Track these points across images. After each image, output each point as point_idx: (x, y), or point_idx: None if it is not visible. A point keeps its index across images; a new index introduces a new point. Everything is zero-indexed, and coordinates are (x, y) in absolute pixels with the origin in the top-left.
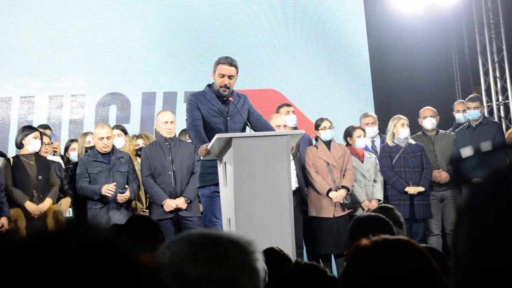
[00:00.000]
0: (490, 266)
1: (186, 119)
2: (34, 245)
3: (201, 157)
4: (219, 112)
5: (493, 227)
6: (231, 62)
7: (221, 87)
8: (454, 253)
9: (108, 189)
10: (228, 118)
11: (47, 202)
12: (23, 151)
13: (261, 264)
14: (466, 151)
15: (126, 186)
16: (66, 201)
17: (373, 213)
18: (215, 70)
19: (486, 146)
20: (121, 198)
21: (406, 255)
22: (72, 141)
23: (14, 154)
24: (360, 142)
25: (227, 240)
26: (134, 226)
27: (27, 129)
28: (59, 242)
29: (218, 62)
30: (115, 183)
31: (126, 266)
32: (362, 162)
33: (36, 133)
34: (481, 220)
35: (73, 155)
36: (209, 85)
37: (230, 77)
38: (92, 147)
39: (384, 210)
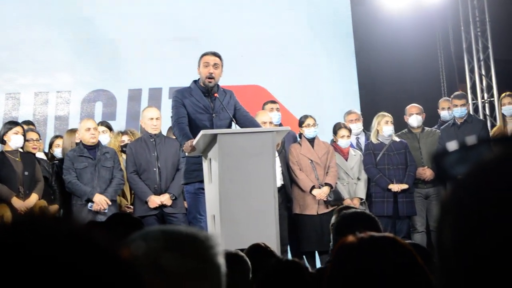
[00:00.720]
0: (475, 260)
1: (171, 116)
2: (5, 231)
3: (186, 154)
4: (204, 108)
5: (477, 222)
6: (215, 53)
7: (207, 77)
8: (438, 249)
9: (101, 202)
10: (214, 114)
11: (33, 198)
12: (7, 147)
13: (222, 259)
14: (451, 145)
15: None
16: (54, 208)
17: (358, 210)
18: (200, 63)
19: (471, 140)
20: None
21: (392, 252)
22: (56, 137)
23: None
24: (343, 142)
25: (185, 234)
26: (113, 223)
27: (8, 124)
28: (31, 230)
29: (202, 55)
30: (109, 202)
31: (99, 257)
32: (347, 160)
33: (17, 129)
34: (465, 215)
35: (58, 151)
36: (195, 81)
37: (215, 65)
38: (79, 143)
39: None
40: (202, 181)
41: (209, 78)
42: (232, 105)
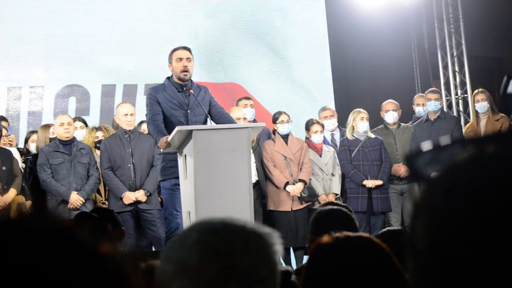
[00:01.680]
0: (447, 259)
1: (146, 114)
2: None
3: (161, 150)
4: (179, 105)
5: (448, 221)
6: (185, 47)
7: (181, 72)
8: (410, 248)
9: (76, 202)
10: (189, 110)
11: (11, 193)
12: None
13: (279, 257)
14: (425, 145)
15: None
16: (29, 204)
17: (335, 207)
18: (171, 59)
19: (445, 140)
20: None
21: (368, 253)
22: (32, 132)
23: None
24: (316, 138)
25: (251, 230)
26: (98, 217)
27: None
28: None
29: (173, 51)
30: (83, 200)
31: (83, 254)
32: (320, 156)
33: None
34: (437, 214)
35: (33, 147)
36: (168, 78)
37: (187, 59)
38: (54, 138)
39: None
40: (178, 177)
41: (184, 71)
42: (207, 100)
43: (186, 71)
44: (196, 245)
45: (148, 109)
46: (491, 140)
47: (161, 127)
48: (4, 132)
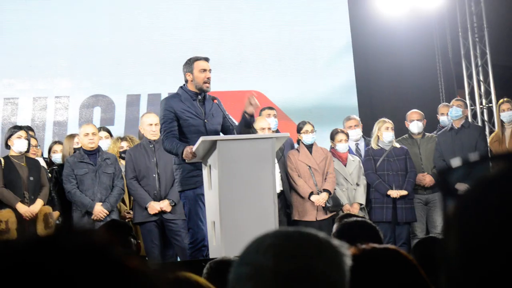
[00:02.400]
0: (482, 273)
1: (161, 128)
2: (23, 250)
3: (187, 161)
4: (196, 114)
5: (483, 235)
6: (207, 58)
7: (204, 83)
8: (444, 262)
9: (100, 214)
10: (206, 120)
11: (38, 204)
12: (11, 152)
13: (349, 267)
14: (455, 162)
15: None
16: (56, 214)
17: (359, 218)
18: (192, 69)
19: (474, 156)
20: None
21: (395, 265)
22: (55, 143)
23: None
24: (341, 146)
25: (323, 238)
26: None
27: (11, 129)
28: (48, 247)
29: (194, 60)
30: (107, 212)
31: (117, 271)
32: (345, 165)
33: (20, 133)
34: (470, 229)
35: (56, 157)
36: (181, 87)
37: (209, 71)
38: (79, 148)
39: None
40: (200, 187)
41: (207, 83)
42: (219, 110)
43: (209, 83)
44: (272, 248)
45: (162, 125)
46: None
47: (177, 141)
48: (33, 142)
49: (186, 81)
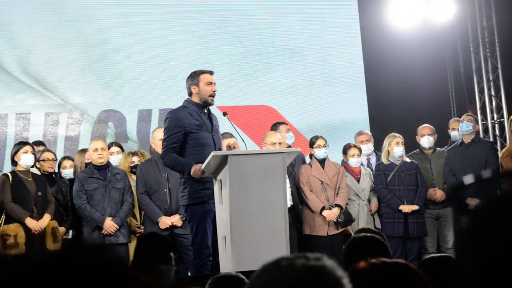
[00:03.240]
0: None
1: (163, 140)
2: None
3: (196, 178)
4: (205, 127)
5: (500, 252)
6: (212, 72)
7: (210, 96)
8: (459, 276)
9: (110, 228)
10: (213, 133)
11: (46, 218)
12: (19, 168)
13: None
14: (468, 179)
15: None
16: (62, 230)
17: (368, 234)
18: (198, 81)
19: (487, 174)
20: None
21: (404, 279)
22: (64, 158)
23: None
24: (353, 161)
25: (327, 266)
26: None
27: (17, 145)
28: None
29: (200, 73)
30: (117, 227)
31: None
32: (358, 180)
33: (26, 148)
34: (486, 243)
35: (65, 173)
36: (187, 100)
37: (214, 84)
38: (89, 164)
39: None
40: (208, 202)
41: (212, 96)
42: (218, 126)
43: (214, 96)
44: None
45: (167, 137)
46: None
47: (179, 158)
48: (50, 155)
49: (190, 94)
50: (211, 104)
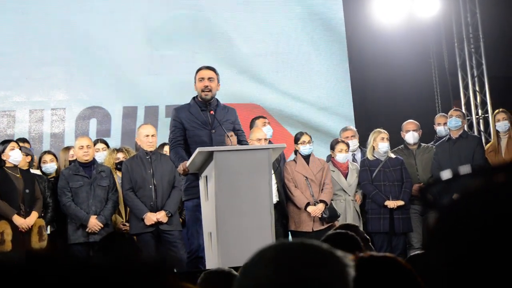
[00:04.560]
0: (467, 282)
1: (169, 137)
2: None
3: (181, 174)
4: (202, 124)
5: (467, 247)
6: (209, 66)
7: (202, 91)
8: (427, 274)
9: (95, 227)
10: (213, 130)
11: (34, 216)
12: (7, 164)
13: (352, 278)
14: (445, 174)
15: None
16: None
17: (342, 230)
18: (195, 79)
19: (465, 169)
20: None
21: (392, 273)
22: (45, 152)
23: None
24: (341, 157)
25: (326, 249)
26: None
27: (3, 143)
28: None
29: (197, 70)
30: (102, 225)
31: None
32: (346, 175)
33: (12, 144)
34: (455, 241)
35: (46, 167)
36: (193, 98)
37: (209, 79)
38: (74, 161)
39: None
40: (199, 197)
41: (205, 91)
42: (231, 122)
43: (208, 91)
44: (274, 261)
45: (170, 134)
46: (501, 169)
47: (181, 153)
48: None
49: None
50: (207, 100)
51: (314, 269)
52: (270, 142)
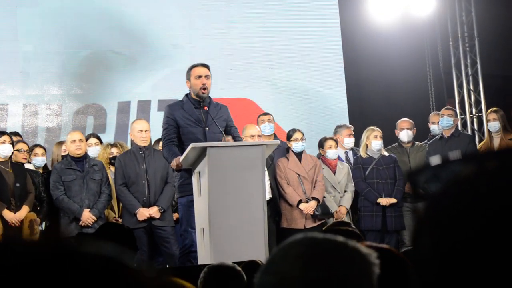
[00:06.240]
0: (457, 271)
1: (162, 134)
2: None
3: (174, 170)
4: (196, 121)
5: (456, 235)
6: (204, 64)
7: (200, 89)
8: (417, 263)
9: (88, 220)
10: (207, 128)
11: (24, 210)
12: None
13: (377, 276)
14: (434, 160)
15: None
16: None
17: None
18: (190, 76)
19: (455, 155)
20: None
21: (388, 264)
22: (35, 146)
23: None
24: (330, 153)
25: (352, 245)
26: (105, 235)
27: None
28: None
29: (191, 67)
30: (95, 218)
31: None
32: (334, 173)
33: (4, 138)
34: (444, 229)
35: (36, 160)
36: (186, 95)
37: (206, 77)
38: (67, 155)
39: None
40: (193, 194)
41: (203, 89)
42: (224, 119)
43: (205, 89)
44: (299, 257)
45: (163, 131)
46: (492, 156)
47: (174, 150)
48: (24, 147)
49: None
50: (204, 97)
51: (343, 267)
52: (275, 137)
